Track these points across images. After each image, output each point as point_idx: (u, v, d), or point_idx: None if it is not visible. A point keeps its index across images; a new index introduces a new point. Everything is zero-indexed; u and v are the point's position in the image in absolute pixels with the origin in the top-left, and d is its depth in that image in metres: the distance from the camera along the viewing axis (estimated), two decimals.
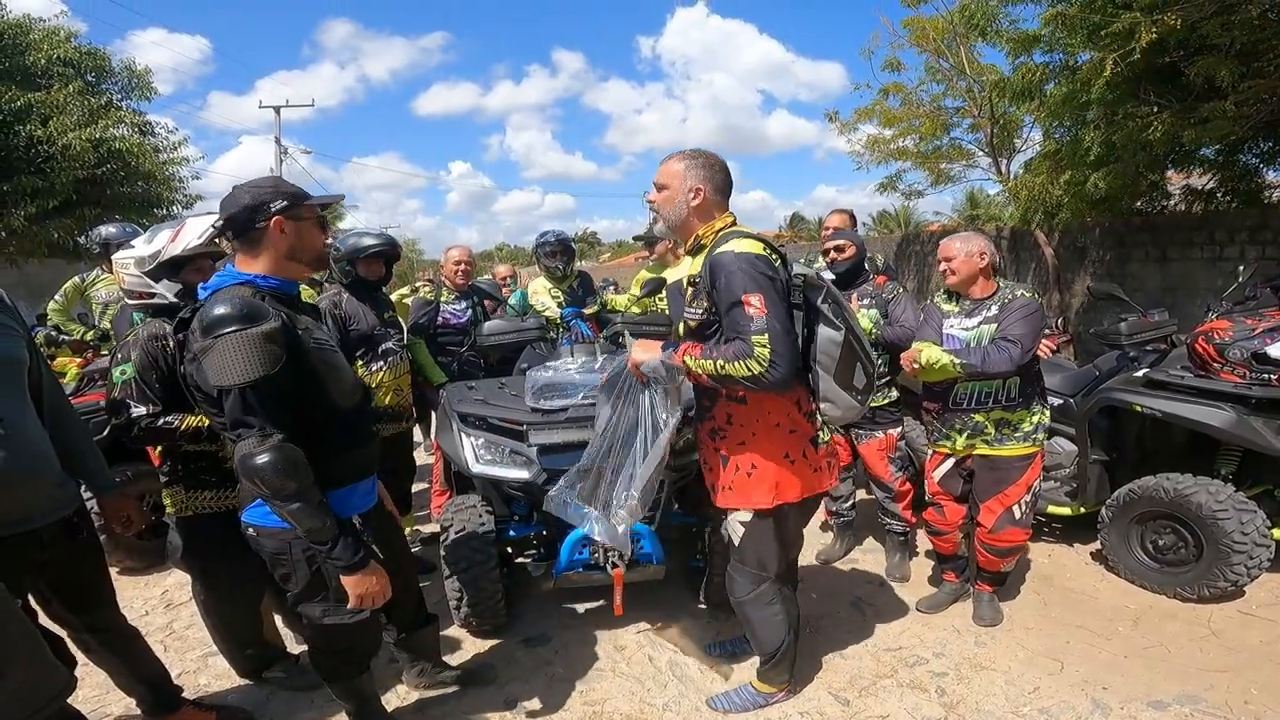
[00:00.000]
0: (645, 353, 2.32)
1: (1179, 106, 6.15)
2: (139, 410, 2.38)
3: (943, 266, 3.07)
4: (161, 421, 2.39)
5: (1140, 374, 3.63)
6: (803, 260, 2.86)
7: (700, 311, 2.30)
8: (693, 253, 2.43)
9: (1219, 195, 8.30)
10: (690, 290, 2.37)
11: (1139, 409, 3.52)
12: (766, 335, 2.08)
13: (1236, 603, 3.27)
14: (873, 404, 3.53)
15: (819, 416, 2.37)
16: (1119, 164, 6.91)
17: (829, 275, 3.50)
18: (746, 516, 2.39)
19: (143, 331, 2.46)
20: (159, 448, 2.59)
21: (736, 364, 2.11)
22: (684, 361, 2.23)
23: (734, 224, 2.36)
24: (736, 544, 2.46)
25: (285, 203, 1.95)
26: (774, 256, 2.24)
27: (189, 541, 2.58)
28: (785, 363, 2.10)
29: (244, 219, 1.94)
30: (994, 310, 2.98)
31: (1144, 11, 5.48)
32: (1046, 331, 3.40)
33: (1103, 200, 7.60)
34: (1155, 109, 6.30)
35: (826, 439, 2.38)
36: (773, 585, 2.48)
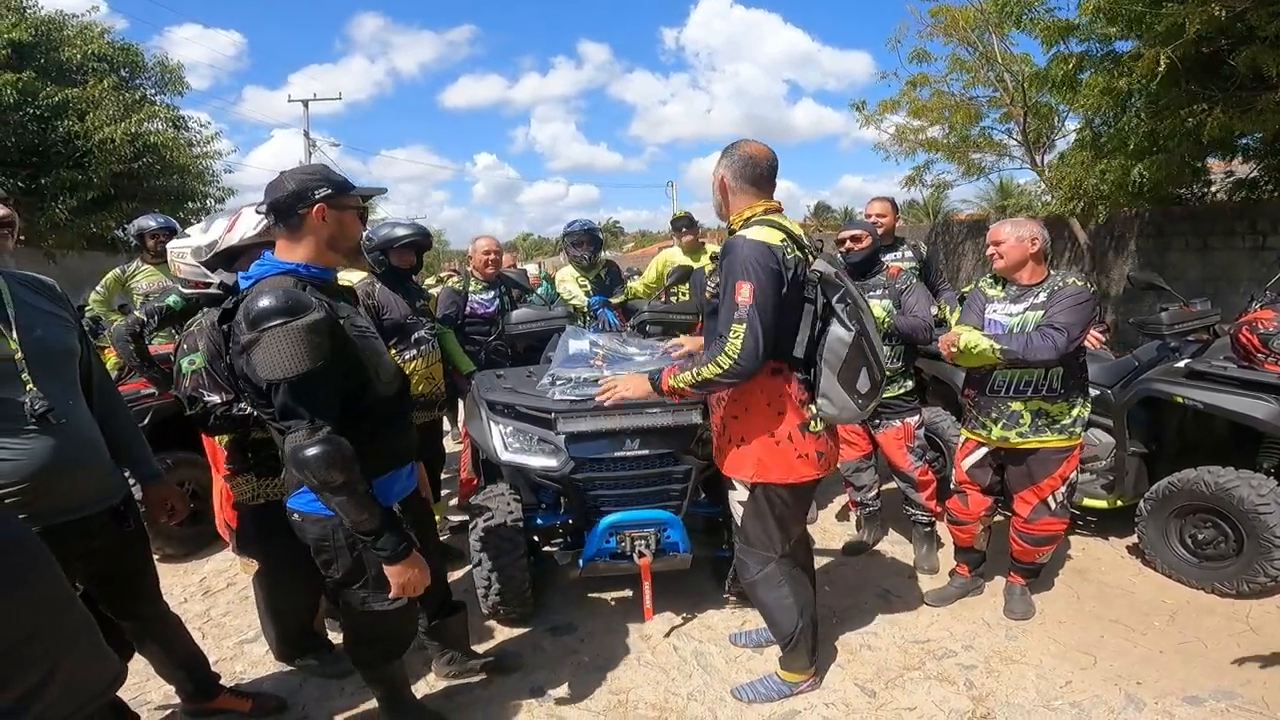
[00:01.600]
0: (633, 388, 2.53)
1: (1222, 96, 6.00)
2: (213, 399, 2.40)
3: (991, 250, 2.98)
4: (235, 409, 2.41)
5: (1181, 365, 3.55)
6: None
7: (716, 288, 2.38)
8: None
9: (1262, 184, 8.10)
10: (713, 268, 2.47)
11: (1180, 400, 3.44)
12: (743, 326, 2.19)
13: (1276, 598, 3.19)
14: (887, 394, 3.50)
15: (813, 408, 2.39)
16: (1164, 154, 6.76)
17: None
18: (743, 495, 2.48)
19: (206, 321, 2.47)
20: (223, 439, 2.61)
21: (708, 366, 2.27)
22: (670, 386, 2.41)
23: (765, 211, 2.39)
24: (739, 524, 2.55)
25: (329, 190, 1.96)
26: (791, 248, 2.29)
27: (260, 529, 2.61)
28: (753, 354, 2.21)
29: (288, 204, 1.95)
30: (1041, 297, 2.89)
31: (1188, 3, 5.34)
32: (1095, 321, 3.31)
33: (1146, 189, 7.43)
34: (1201, 99, 6.15)
35: (818, 429, 2.40)
36: (780, 565, 2.52)
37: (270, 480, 2.57)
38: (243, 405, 2.40)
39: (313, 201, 1.94)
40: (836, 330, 2.28)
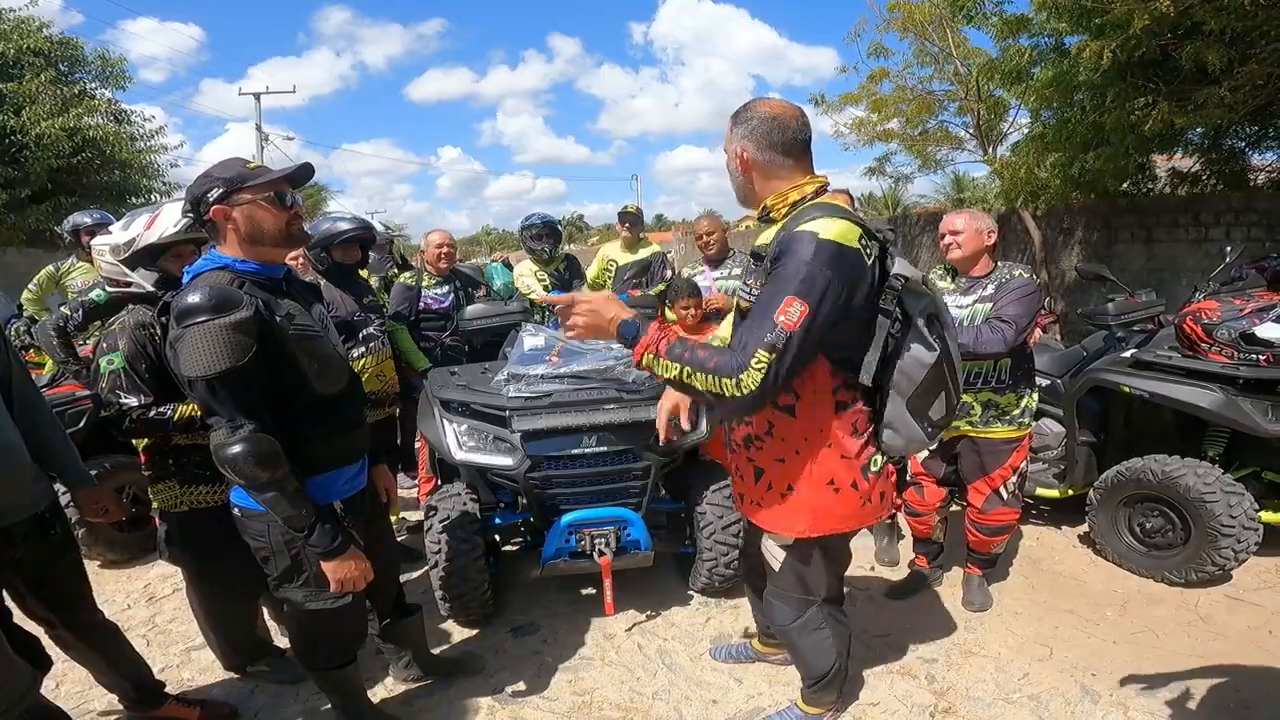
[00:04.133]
0: (593, 321, 1.86)
1: (1167, 90, 6.15)
2: (130, 401, 2.30)
3: (947, 240, 2.99)
4: (154, 412, 2.32)
5: (1128, 354, 3.62)
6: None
7: (759, 292, 1.85)
8: (763, 222, 1.99)
9: (1205, 178, 8.34)
10: (752, 264, 1.99)
11: (1127, 390, 3.51)
12: (771, 356, 1.67)
13: (1224, 587, 3.27)
14: None
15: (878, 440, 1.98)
16: (1108, 147, 6.91)
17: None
18: (787, 541, 2.07)
19: (129, 319, 2.37)
20: (144, 442, 2.50)
21: (708, 377, 1.71)
22: (643, 358, 1.80)
23: (819, 192, 1.90)
24: (775, 570, 2.16)
25: (220, 189, 1.88)
26: (869, 248, 1.78)
27: (184, 537, 2.52)
28: (767, 393, 1.70)
29: (193, 211, 1.93)
30: (990, 289, 2.93)
31: None
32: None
33: (1090, 182, 7.61)
34: (1145, 93, 6.30)
35: (880, 466, 1.99)
36: (820, 609, 2.18)
37: (194, 488, 2.47)
38: (163, 409, 2.33)
39: (208, 204, 1.89)
40: (916, 350, 1.83)
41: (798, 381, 1.84)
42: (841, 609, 2.31)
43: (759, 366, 1.68)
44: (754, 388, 1.68)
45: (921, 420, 1.89)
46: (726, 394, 1.70)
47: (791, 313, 1.68)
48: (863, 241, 1.76)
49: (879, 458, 1.97)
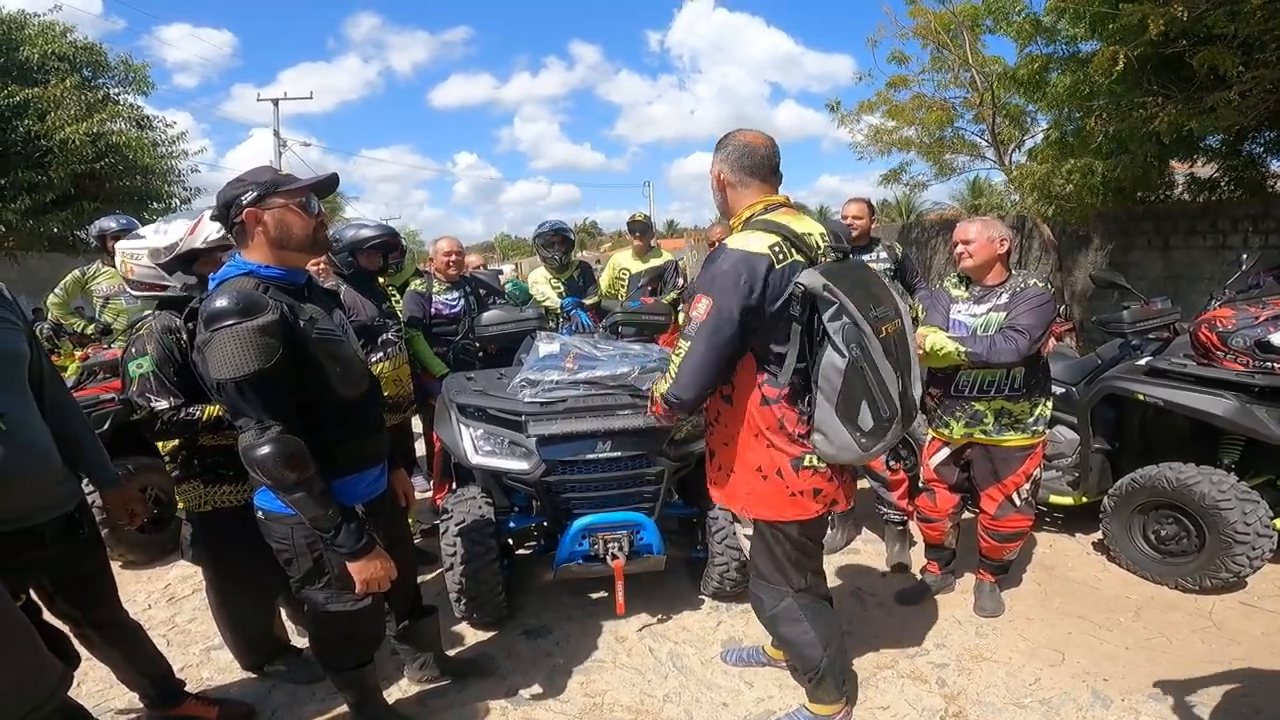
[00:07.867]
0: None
1: (1182, 96, 6.13)
2: (161, 404, 2.36)
3: (959, 249, 2.99)
4: (184, 414, 2.38)
5: (1143, 362, 3.61)
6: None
7: None
8: None
9: (1223, 184, 8.28)
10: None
11: (1141, 398, 3.50)
12: (688, 343, 1.99)
13: (1238, 594, 3.25)
14: None
15: (809, 443, 2.08)
16: (1129, 155, 6.90)
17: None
18: (748, 529, 2.31)
19: (155, 324, 2.43)
20: (171, 444, 2.55)
21: (660, 382, 2.13)
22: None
23: (767, 209, 2.09)
24: (750, 557, 2.35)
25: (255, 193, 1.93)
26: (785, 253, 1.97)
27: (206, 536, 2.57)
28: (691, 381, 2.01)
29: (223, 214, 1.97)
30: (1004, 298, 2.93)
31: (1151, 2, 5.46)
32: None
33: (1115, 190, 7.58)
34: (1160, 99, 6.28)
35: (813, 464, 2.09)
36: (797, 599, 2.27)
37: (218, 487, 2.52)
38: (192, 410, 2.38)
39: (241, 207, 1.93)
40: (829, 355, 1.94)
41: (734, 375, 2.10)
42: (826, 602, 2.39)
43: (677, 356, 2.03)
44: (673, 378, 2.03)
45: (852, 428, 1.97)
46: (662, 391, 2.08)
47: (700, 308, 1.98)
48: (774, 249, 1.96)
49: (811, 456, 2.08)
